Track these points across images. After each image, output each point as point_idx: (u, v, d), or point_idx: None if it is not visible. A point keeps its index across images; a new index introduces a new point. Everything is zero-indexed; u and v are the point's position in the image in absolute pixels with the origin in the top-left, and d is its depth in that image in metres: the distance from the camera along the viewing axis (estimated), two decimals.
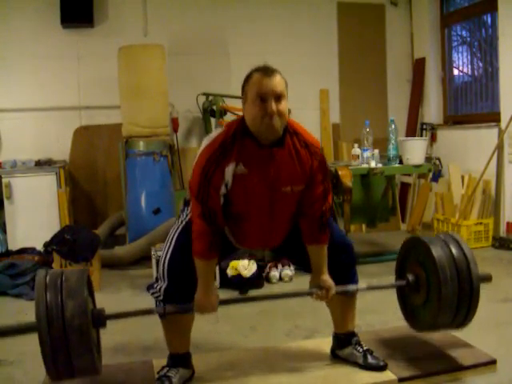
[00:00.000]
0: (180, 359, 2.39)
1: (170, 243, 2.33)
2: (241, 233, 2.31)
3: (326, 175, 2.27)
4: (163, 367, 2.39)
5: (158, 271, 2.35)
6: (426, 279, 2.39)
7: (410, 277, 2.46)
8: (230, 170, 2.10)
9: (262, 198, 2.18)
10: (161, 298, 2.30)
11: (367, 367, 2.44)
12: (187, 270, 2.23)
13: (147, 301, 3.81)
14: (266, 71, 2.09)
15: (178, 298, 2.28)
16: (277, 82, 2.08)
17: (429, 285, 2.38)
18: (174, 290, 2.27)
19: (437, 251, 2.32)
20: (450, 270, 2.29)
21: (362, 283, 2.50)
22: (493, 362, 2.48)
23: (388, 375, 2.39)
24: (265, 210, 2.21)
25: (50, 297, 1.98)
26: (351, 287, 2.44)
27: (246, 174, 2.12)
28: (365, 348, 2.50)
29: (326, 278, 2.32)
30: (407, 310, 2.57)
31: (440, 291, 2.28)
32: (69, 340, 1.96)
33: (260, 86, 2.06)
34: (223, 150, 2.10)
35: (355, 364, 2.47)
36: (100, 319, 2.15)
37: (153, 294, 2.35)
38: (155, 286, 2.33)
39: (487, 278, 2.43)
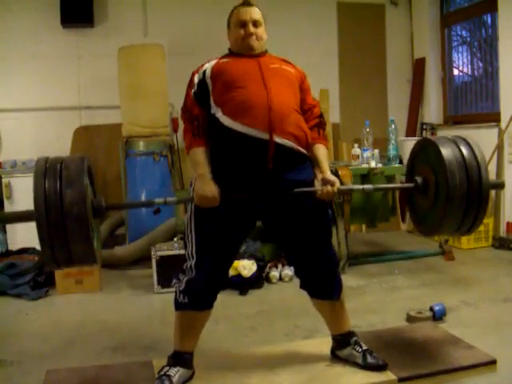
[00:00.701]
0: (182, 358, 2.39)
1: (191, 233, 2.31)
2: (240, 106, 2.22)
3: (305, 77, 2.49)
4: (163, 367, 2.38)
5: (186, 262, 2.33)
6: (434, 182, 2.28)
7: (419, 179, 2.37)
8: (209, 63, 2.36)
9: (251, 68, 2.32)
10: (182, 288, 2.31)
11: (367, 367, 2.44)
12: (213, 264, 2.27)
13: (147, 301, 3.83)
14: (245, 3, 2.43)
15: (198, 295, 2.31)
16: (254, 11, 2.42)
17: (437, 188, 2.27)
18: (197, 286, 2.29)
19: (447, 153, 2.21)
20: (459, 172, 2.18)
21: (368, 185, 2.50)
22: (493, 362, 2.48)
23: (388, 375, 2.39)
24: (256, 78, 2.28)
25: (48, 184, 1.92)
26: (356, 187, 2.49)
27: (230, 61, 2.36)
28: (364, 348, 2.49)
29: (329, 174, 2.33)
30: (415, 214, 2.49)
31: (448, 194, 2.18)
32: (67, 227, 1.90)
33: (239, 14, 2.40)
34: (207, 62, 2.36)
35: (355, 364, 2.47)
36: (99, 208, 2.10)
37: (176, 283, 2.35)
38: (180, 276, 2.34)
39: (499, 185, 2.36)
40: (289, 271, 4.13)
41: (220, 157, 2.27)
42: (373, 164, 4.40)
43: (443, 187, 2.21)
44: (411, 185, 2.41)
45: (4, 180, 4.80)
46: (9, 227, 4.80)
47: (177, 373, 2.33)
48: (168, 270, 3.89)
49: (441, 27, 6.17)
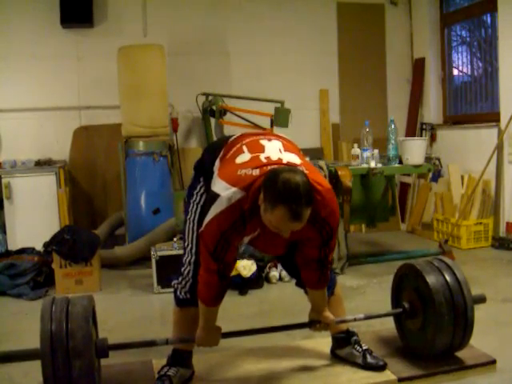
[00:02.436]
0: (181, 357, 2.39)
1: (193, 236, 2.28)
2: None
3: (330, 240, 2.17)
4: (163, 366, 2.39)
5: (183, 267, 2.32)
6: (421, 306, 2.47)
7: (406, 304, 2.54)
8: (248, 237, 2.12)
9: (263, 244, 2.22)
10: (186, 289, 2.32)
11: (366, 367, 2.44)
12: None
13: (147, 301, 3.82)
14: (296, 217, 1.88)
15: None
16: (299, 226, 1.93)
17: (425, 311, 2.45)
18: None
19: (430, 278, 2.42)
20: (444, 295, 2.37)
21: (360, 314, 2.55)
22: (493, 362, 2.48)
23: (388, 375, 2.39)
24: (263, 247, 2.28)
25: (54, 327, 2.00)
26: (349, 318, 2.51)
27: (259, 235, 2.11)
28: (364, 348, 2.50)
29: (327, 315, 2.36)
30: (405, 336, 2.61)
31: (436, 316, 2.36)
32: (71, 365, 1.97)
33: (279, 226, 1.93)
34: (243, 220, 2.01)
35: (354, 364, 2.47)
36: (103, 350, 2.17)
37: (177, 283, 2.35)
38: (180, 279, 2.33)
39: (481, 299, 2.50)
40: None
41: None
42: (372, 164, 4.40)
43: (430, 310, 2.39)
44: (399, 310, 2.57)
45: (4, 180, 4.80)
46: (9, 227, 4.80)
47: (177, 373, 2.34)
48: (168, 270, 3.89)
49: (440, 27, 6.17)
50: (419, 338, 2.49)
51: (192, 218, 2.30)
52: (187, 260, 2.31)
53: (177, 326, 2.40)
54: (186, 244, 2.33)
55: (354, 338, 2.53)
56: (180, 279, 2.34)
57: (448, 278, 2.43)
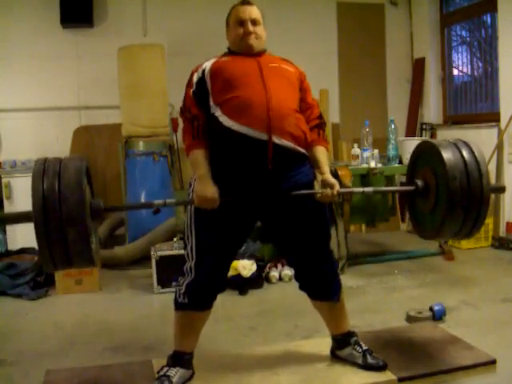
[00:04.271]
0: (181, 358, 2.39)
1: (191, 235, 2.31)
2: (239, 106, 2.20)
3: (304, 77, 2.47)
4: (163, 367, 2.39)
5: (185, 266, 2.33)
6: (435, 185, 2.29)
7: (419, 182, 2.37)
8: (208, 62, 2.35)
9: (249, 67, 2.31)
10: (183, 291, 2.32)
11: (367, 367, 2.44)
12: (213, 265, 2.28)
13: (147, 301, 3.83)
14: (244, 1, 2.42)
15: (198, 296, 2.32)
16: (253, 10, 2.41)
17: (438, 190, 2.27)
18: (197, 288, 2.31)
19: (448, 157, 2.21)
20: (460, 176, 2.17)
21: (369, 188, 2.51)
22: (493, 362, 2.48)
23: (388, 375, 2.39)
24: (256, 77, 2.27)
25: (46, 185, 1.91)
26: (356, 190, 2.52)
27: (229, 60, 2.35)
28: (364, 348, 2.50)
29: (329, 177, 2.31)
30: (415, 217, 2.49)
31: (449, 197, 2.18)
32: (66, 230, 1.90)
33: (238, 13, 2.39)
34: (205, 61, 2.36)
35: (355, 364, 2.47)
36: (98, 210, 2.09)
37: (177, 286, 2.38)
38: (180, 279, 2.35)
39: (499, 189, 2.34)
40: (288, 271, 4.12)
41: (219, 157, 2.26)
42: (372, 164, 4.40)
43: (444, 191, 2.21)
44: (412, 188, 2.40)
45: (4, 180, 4.80)
46: (9, 227, 4.80)
47: (176, 373, 2.34)
48: (168, 270, 3.89)
49: (440, 27, 6.17)
50: (429, 219, 2.36)
51: (188, 214, 2.32)
52: (188, 254, 2.32)
53: (177, 330, 2.40)
54: (185, 242, 2.35)
55: (354, 338, 2.53)
56: (180, 279, 2.35)
57: (466, 156, 2.21)
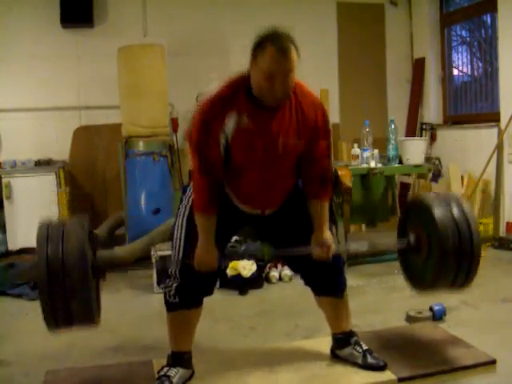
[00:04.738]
0: (181, 358, 2.38)
1: (180, 239, 2.32)
2: (240, 188, 2.26)
3: (328, 131, 2.27)
4: (163, 367, 2.38)
5: (170, 268, 2.33)
6: (427, 239, 2.35)
7: (411, 237, 2.44)
8: (231, 121, 2.08)
9: (263, 151, 2.13)
10: (173, 292, 2.31)
11: (367, 367, 2.43)
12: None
13: (147, 301, 3.82)
14: (282, 49, 2.03)
15: (188, 296, 2.31)
16: (290, 62, 2.06)
17: (430, 245, 2.34)
18: (186, 289, 2.30)
19: (438, 211, 2.29)
20: (451, 229, 2.24)
21: (363, 245, 2.54)
22: (492, 362, 2.48)
23: (388, 375, 2.39)
24: (265, 163, 2.17)
25: (50, 248, 1.96)
26: (352, 246, 2.47)
27: (248, 127, 2.09)
28: (364, 348, 2.49)
29: (327, 236, 2.29)
30: (408, 271, 2.53)
31: (441, 251, 2.25)
32: (68, 290, 1.94)
33: (271, 65, 2.02)
34: (224, 101, 2.09)
35: (355, 364, 2.47)
36: (100, 270, 2.14)
37: (165, 287, 2.36)
38: (167, 281, 2.34)
39: (489, 239, 2.41)
40: (288, 271, 4.12)
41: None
42: (372, 164, 4.40)
43: (436, 247, 2.29)
44: (404, 243, 2.48)
45: (4, 180, 4.80)
46: (9, 227, 4.80)
47: (177, 373, 2.34)
48: (168, 270, 3.88)
49: (440, 27, 6.17)
50: (422, 273, 2.41)
51: (181, 217, 2.33)
52: (174, 259, 2.33)
53: (171, 331, 2.39)
54: (173, 244, 2.35)
55: (355, 338, 2.52)
56: (167, 281, 2.34)
57: (455, 211, 2.30)
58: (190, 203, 2.31)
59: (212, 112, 2.09)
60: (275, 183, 2.25)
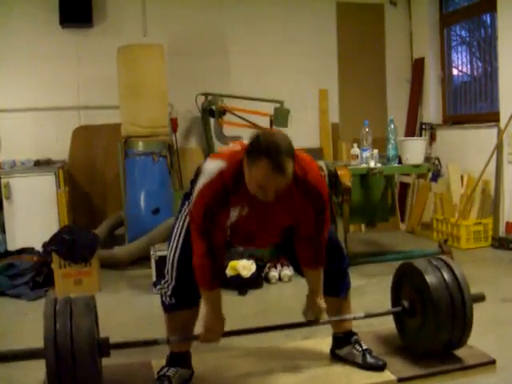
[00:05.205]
0: (180, 358, 2.39)
1: (178, 240, 2.33)
2: (234, 239, 2.31)
3: (322, 211, 2.21)
4: (163, 367, 2.39)
5: (166, 269, 2.35)
6: (421, 305, 2.48)
7: (406, 303, 2.56)
8: (234, 212, 2.10)
9: (253, 231, 2.23)
10: (169, 293, 2.33)
11: (366, 367, 2.44)
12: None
13: (147, 301, 3.82)
14: (278, 165, 1.89)
15: (185, 297, 2.33)
16: (284, 178, 1.94)
17: (424, 310, 2.46)
18: (181, 290, 2.32)
19: (430, 278, 2.43)
20: (443, 294, 2.39)
21: (359, 312, 2.57)
22: (492, 362, 2.49)
23: (387, 375, 2.39)
24: (258, 230, 2.24)
25: (59, 325, 2.03)
26: (348, 317, 2.53)
27: (247, 215, 2.12)
28: (364, 347, 2.50)
29: (320, 303, 2.34)
30: (405, 335, 2.63)
31: (435, 316, 2.38)
32: (75, 369, 1.98)
33: (263, 180, 1.94)
34: (227, 192, 2.06)
35: (354, 363, 2.47)
36: (105, 349, 2.17)
37: (160, 289, 2.37)
38: (162, 282, 2.36)
39: (480, 298, 2.51)
40: (288, 271, 4.13)
41: None
42: (372, 164, 4.40)
43: (430, 310, 2.41)
44: (399, 308, 2.59)
45: (3, 180, 4.79)
46: (8, 227, 4.79)
47: (176, 373, 2.34)
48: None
49: (440, 27, 6.17)
50: (419, 336, 2.50)
51: (180, 226, 2.35)
52: (169, 262, 2.34)
53: (169, 332, 2.40)
54: (169, 248, 2.37)
55: (354, 337, 2.53)
56: (163, 283, 2.36)
57: (447, 276, 2.44)
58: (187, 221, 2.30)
59: (216, 199, 2.06)
60: (268, 238, 2.35)
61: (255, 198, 2.03)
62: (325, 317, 2.41)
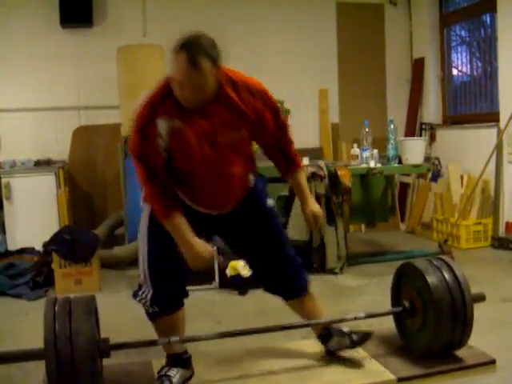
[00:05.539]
0: (179, 359, 2.39)
1: (144, 249, 2.31)
2: (193, 190, 2.26)
3: (276, 111, 2.29)
4: (163, 367, 2.38)
5: (140, 279, 2.33)
6: (421, 305, 2.49)
7: (406, 303, 2.56)
8: (163, 124, 2.10)
9: (203, 150, 2.15)
10: (149, 302, 2.30)
11: (357, 344, 2.50)
12: (170, 271, 2.28)
13: None
14: (193, 60, 1.96)
15: (166, 303, 2.32)
16: (201, 76, 1.99)
17: (424, 310, 2.46)
18: (161, 296, 2.30)
19: (430, 277, 2.44)
20: (443, 294, 2.39)
21: (360, 312, 2.59)
22: (492, 362, 2.49)
23: (387, 375, 2.40)
24: (210, 162, 2.17)
25: (59, 326, 2.03)
26: (349, 317, 2.56)
27: (181, 128, 2.11)
28: (346, 330, 2.54)
29: (315, 208, 2.46)
30: (405, 335, 2.63)
31: (436, 316, 2.38)
32: (76, 369, 1.99)
33: (181, 76, 2.01)
34: (153, 107, 2.10)
35: (346, 348, 2.52)
36: (105, 350, 2.17)
37: (140, 300, 2.34)
38: (140, 293, 2.33)
39: (480, 298, 2.51)
40: None
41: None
42: (372, 164, 4.40)
43: (431, 310, 2.41)
44: (400, 309, 2.59)
45: (3, 180, 4.79)
46: (8, 227, 4.79)
47: (177, 373, 2.34)
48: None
49: (440, 27, 6.17)
50: (419, 336, 2.50)
51: (141, 229, 2.34)
52: (142, 271, 2.32)
53: (160, 336, 2.39)
54: (138, 258, 2.36)
55: (334, 328, 2.57)
56: (141, 293, 2.33)
57: (447, 276, 2.44)
58: (147, 219, 2.29)
59: (144, 120, 2.11)
60: (227, 180, 2.25)
61: (187, 111, 2.08)
62: (321, 218, 2.49)
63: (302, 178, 2.46)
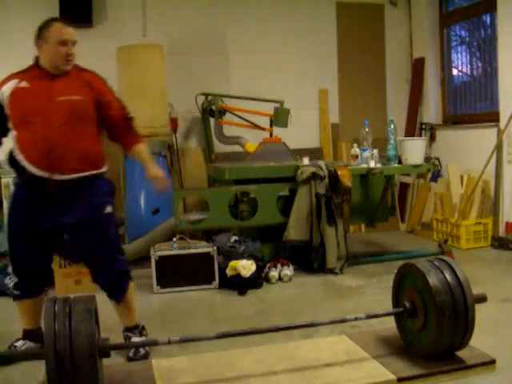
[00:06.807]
0: (30, 334, 2.84)
1: (7, 240, 2.73)
2: (27, 142, 2.55)
3: (110, 90, 2.90)
4: (16, 339, 2.84)
5: (9, 268, 2.78)
6: (422, 306, 2.48)
7: (407, 303, 2.56)
8: (10, 84, 2.65)
9: (40, 103, 2.55)
10: (13, 286, 2.76)
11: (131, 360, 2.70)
12: (31, 264, 2.69)
13: (146, 301, 3.82)
14: (65, 22, 2.63)
15: (26, 290, 2.75)
16: (74, 33, 2.64)
17: (426, 311, 2.46)
18: (22, 284, 2.74)
19: (431, 278, 2.43)
20: (445, 295, 2.39)
21: (361, 313, 2.59)
22: (492, 362, 2.48)
23: (387, 375, 2.39)
24: (44, 115, 2.53)
25: (58, 326, 2.04)
26: (350, 317, 2.58)
27: (26, 87, 2.60)
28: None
29: (156, 172, 2.83)
30: (406, 336, 2.63)
31: (437, 317, 2.37)
32: (75, 369, 2.00)
33: (61, 33, 2.58)
34: (12, 75, 2.71)
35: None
36: (105, 350, 2.19)
37: (9, 283, 2.80)
38: (8, 278, 2.81)
39: (482, 299, 2.51)
40: (288, 271, 4.13)
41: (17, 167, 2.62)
42: (372, 164, 4.40)
43: (432, 311, 2.40)
44: (401, 309, 2.58)
45: (3, 180, 4.79)
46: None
47: (23, 345, 2.82)
48: (167, 270, 3.89)
49: (440, 27, 6.18)
50: (420, 337, 2.50)
51: (6, 224, 2.80)
52: (10, 262, 2.77)
53: (19, 314, 2.85)
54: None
55: (125, 333, 2.82)
56: (8, 278, 2.80)
57: (449, 277, 2.44)
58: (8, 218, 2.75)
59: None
60: (59, 136, 2.54)
61: (41, 75, 2.61)
62: (164, 180, 2.86)
63: (142, 149, 2.85)
